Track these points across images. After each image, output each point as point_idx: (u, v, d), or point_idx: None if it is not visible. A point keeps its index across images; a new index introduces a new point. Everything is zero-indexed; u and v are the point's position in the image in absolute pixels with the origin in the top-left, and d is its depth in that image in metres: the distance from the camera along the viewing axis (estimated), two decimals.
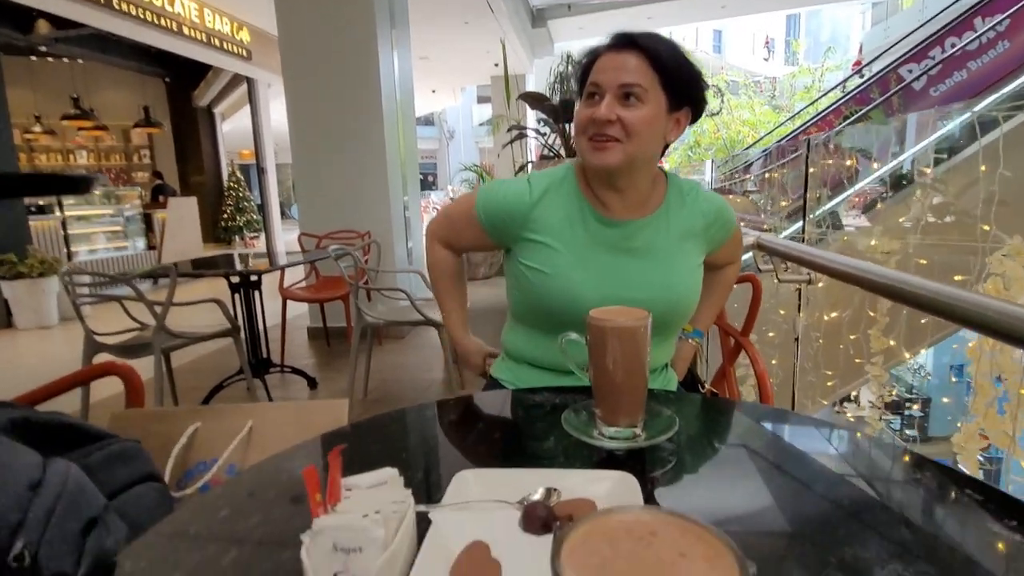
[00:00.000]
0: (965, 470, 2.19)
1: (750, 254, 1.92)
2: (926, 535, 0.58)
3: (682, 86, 1.00)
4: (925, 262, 2.42)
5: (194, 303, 2.64)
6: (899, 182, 4.09)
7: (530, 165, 4.75)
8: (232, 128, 13.58)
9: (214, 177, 12.57)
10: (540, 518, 0.55)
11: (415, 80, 5.44)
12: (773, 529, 0.58)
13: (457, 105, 21.39)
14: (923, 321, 2.29)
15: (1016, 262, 1.99)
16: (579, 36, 11.53)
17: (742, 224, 1.44)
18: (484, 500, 0.59)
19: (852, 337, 2.36)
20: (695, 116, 1.05)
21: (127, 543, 0.59)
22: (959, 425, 2.27)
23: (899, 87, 5.76)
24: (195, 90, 11.42)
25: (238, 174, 12.84)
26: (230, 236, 12.67)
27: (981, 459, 2.31)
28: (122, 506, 0.67)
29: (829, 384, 2.49)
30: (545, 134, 4.66)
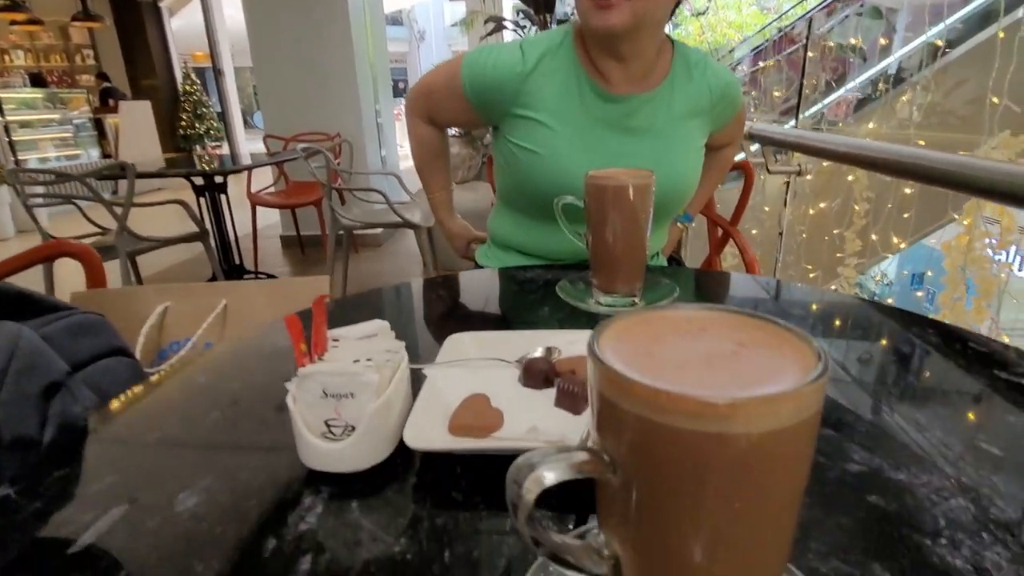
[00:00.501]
0: None
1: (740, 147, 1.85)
2: (933, 380, 0.57)
3: None
4: (923, 143, 2.39)
5: (157, 204, 2.50)
6: (887, 83, 3.99)
7: None
8: (182, 25, 12.48)
9: (167, 80, 11.69)
10: (541, 371, 0.52)
11: None
12: None
13: (427, 2, 19.91)
14: (906, 216, 2.29)
15: (1003, 154, 1.97)
16: None
17: None
18: (481, 358, 0.56)
19: (836, 231, 2.37)
20: None
21: (97, 410, 0.55)
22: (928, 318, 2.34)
23: None
24: None
25: (193, 77, 11.97)
26: (190, 145, 12.02)
27: None
28: (89, 378, 0.63)
29: (811, 276, 2.53)
30: (525, 27, 4.35)
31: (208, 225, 3.05)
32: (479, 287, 0.86)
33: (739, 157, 1.98)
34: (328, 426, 0.42)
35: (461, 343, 0.59)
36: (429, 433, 0.44)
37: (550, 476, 0.20)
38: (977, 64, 3.22)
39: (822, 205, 2.33)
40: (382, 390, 0.43)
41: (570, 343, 0.58)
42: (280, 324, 0.72)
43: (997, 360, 0.59)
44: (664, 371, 0.21)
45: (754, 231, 2.38)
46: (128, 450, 0.49)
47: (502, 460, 0.43)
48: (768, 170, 1.80)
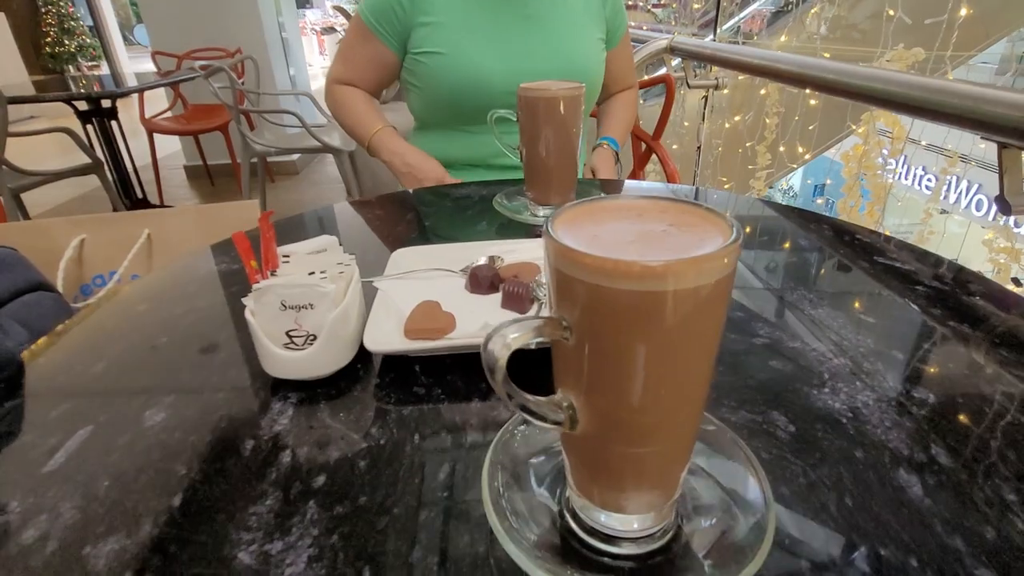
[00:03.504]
0: None
1: (662, 61, 1.88)
2: (829, 277, 0.66)
3: None
4: (828, 55, 2.51)
5: (39, 132, 2.23)
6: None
7: None
8: None
9: None
10: (486, 278, 0.55)
11: None
12: None
13: None
14: (811, 128, 2.45)
15: (897, 67, 2.12)
16: None
17: (649, 31, 1.38)
18: (427, 269, 0.58)
19: (748, 144, 2.50)
20: None
21: (31, 344, 0.54)
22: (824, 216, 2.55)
23: None
24: None
25: None
26: (60, 65, 10.59)
27: None
28: (15, 315, 0.60)
29: (726, 186, 2.69)
30: None
31: (101, 155, 2.77)
32: (416, 205, 0.87)
33: (661, 71, 2.01)
34: (290, 337, 0.44)
35: (407, 257, 0.61)
36: (387, 337, 0.47)
37: (515, 337, 0.24)
38: None
39: (736, 119, 2.43)
40: (339, 300, 0.45)
41: (511, 251, 0.62)
42: (206, 251, 0.70)
43: (877, 248, 0.68)
44: (610, 248, 0.25)
45: (675, 146, 2.46)
46: (77, 378, 0.48)
47: (457, 358, 0.47)
48: (688, 84, 1.84)
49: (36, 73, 10.20)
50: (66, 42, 10.77)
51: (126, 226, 0.80)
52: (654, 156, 1.60)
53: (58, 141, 2.37)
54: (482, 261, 0.60)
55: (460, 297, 0.55)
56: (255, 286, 0.43)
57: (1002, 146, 0.70)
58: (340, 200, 3.69)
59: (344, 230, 0.78)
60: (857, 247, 0.69)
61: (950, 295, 0.58)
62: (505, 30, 0.99)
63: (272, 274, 0.45)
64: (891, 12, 1.87)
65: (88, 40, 10.86)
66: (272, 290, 0.42)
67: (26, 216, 2.61)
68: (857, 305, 0.57)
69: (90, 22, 10.54)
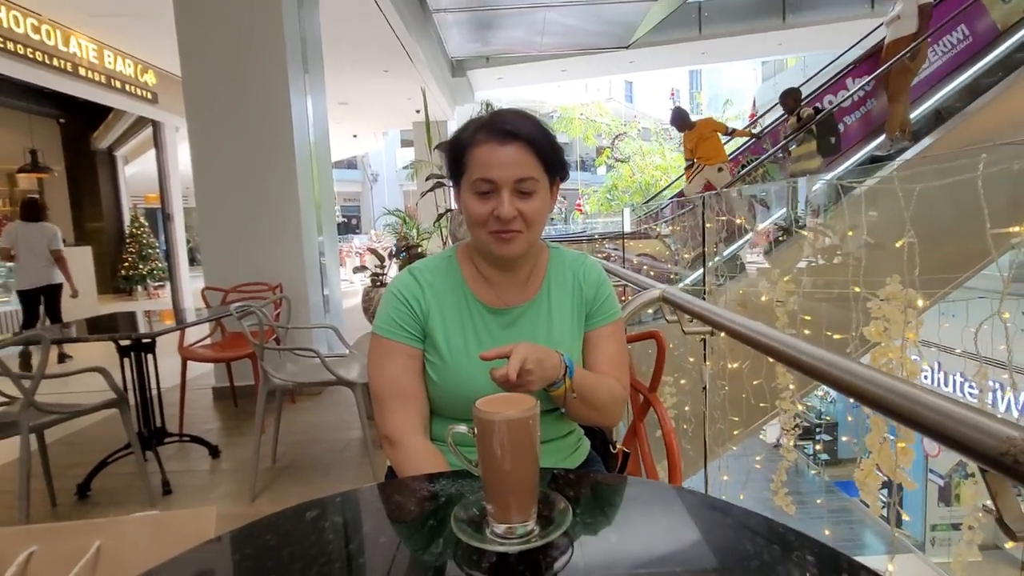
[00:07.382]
0: (868, 506, 2.29)
1: (656, 306, 1.97)
2: None
3: (556, 163, 1.05)
4: (809, 318, 2.60)
5: (71, 374, 2.37)
6: (791, 228, 4.46)
7: (450, 212, 4.76)
8: (137, 171, 12.81)
9: (114, 222, 11.74)
10: None
11: (335, 124, 5.38)
12: None
13: (380, 149, 21.36)
14: (833, 335, 2.46)
15: (893, 306, 2.17)
16: (499, 85, 11.95)
17: (651, 274, 1.47)
18: None
19: (755, 382, 2.47)
20: (563, 180, 1.11)
21: None
22: (859, 462, 2.39)
23: (785, 140, 6.32)
24: (94, 132, 10.72)
25: (142, 220, 12.07)
26: (131, 286, 11.80)
27: (883, 499, 2.44)
28: None
29: (735, 432, 2.58)
30: None
31: (131, 383, 2.91)
32: (375, 514, 0.84)
33: (647, 310, 2.09)
34: None
35: None
36: None
37: None
38: (869, 210, 3.63)
39: (735, 365, 2.47)
40: None
41: None
42: None
43: None
44: None
45: (683, 381, 2.46)
46: None
47: None
48: (684, 330, 1.90)
49: (107, 292, 11.33)
50: (140, 266, 12.12)
51: (79, 537, 0.78)
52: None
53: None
54: None
55: None
56: None
57: (982, 470, 0.66)
58: (356, 425, 3.67)
59: (287, 553, 0.73)
60: None
61: None
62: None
63: None
64: (900, 285, 1.97)
65: (160, 264, 12.23)
66: None
67: (43, 449, 2.65)
68: None
69: (165, 248, 11.99)
